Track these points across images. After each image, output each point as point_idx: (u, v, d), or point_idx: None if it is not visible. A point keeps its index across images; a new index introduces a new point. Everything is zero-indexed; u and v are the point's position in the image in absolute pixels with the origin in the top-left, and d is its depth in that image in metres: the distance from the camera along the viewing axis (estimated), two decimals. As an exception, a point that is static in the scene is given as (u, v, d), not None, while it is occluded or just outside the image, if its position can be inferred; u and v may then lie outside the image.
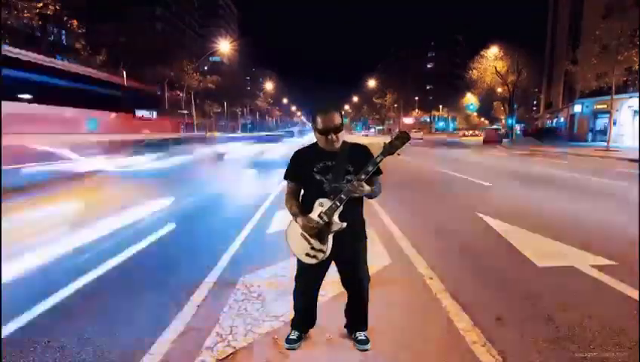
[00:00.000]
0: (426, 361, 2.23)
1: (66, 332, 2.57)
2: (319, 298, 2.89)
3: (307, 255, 2.11)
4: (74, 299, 3.09)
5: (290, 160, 2.23)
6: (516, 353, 2.25)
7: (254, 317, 2.71)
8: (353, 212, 2.13)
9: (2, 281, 3.08)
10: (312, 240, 2.08)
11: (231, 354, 2.28)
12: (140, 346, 2.36)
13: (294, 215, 2.13)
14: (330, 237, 2.06)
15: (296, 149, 2.26)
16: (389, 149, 1.94)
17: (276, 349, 2.33)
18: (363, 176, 1.95)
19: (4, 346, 2.41)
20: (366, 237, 2.30)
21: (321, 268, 2.23)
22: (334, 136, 2.04)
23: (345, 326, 2.45)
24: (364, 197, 2.13)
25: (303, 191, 2.21)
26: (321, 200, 2.07)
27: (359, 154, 2.12)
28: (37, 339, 2.48)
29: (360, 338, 2.33)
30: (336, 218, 2.04)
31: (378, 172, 2.09)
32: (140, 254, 4.18)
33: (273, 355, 2.28)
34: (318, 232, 2.05)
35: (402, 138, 1.94)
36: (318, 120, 2.04)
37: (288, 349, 2.32)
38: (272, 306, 2.84)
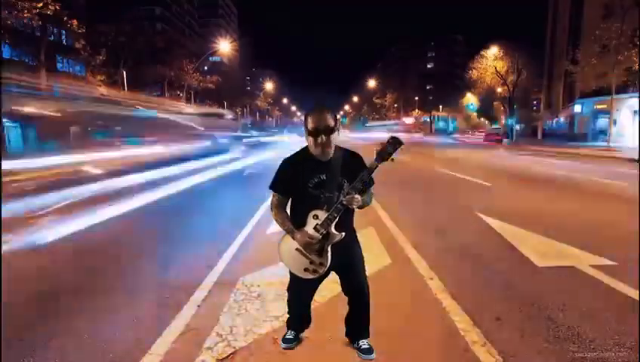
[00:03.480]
0: (426, 361, 2.23)
1: (66, 332, 2.57)
2: (320, 298, 2.90)
3: (306, 270, 2.02)
4: (74, 298, 3.10)
5: (280, 170, 2.06)
6: (516, 353, 2.25)
7: (254, 317, 2.71)
8: (346, 220, 2.04)
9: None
10: (311, 256, 1.99)
11: (231, 354, 2.28)
12: (140, 346, 2.36)
13: (290, 231, 2.01)
14: (329, 249, 1.98)
15: (285, 158, 2.08)
16: (383, 155, 1.85)
17: (276, 349, 2.33)
18: (359, 186, 1.86)
19: (4, 346, 2.41)
20: (359, 243, 2.23)
21: (316, 281, 2.15)
22: (324, 138, 1.90)
23: (346, 335, 2.36)
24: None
25: (291, 202, 2.09)
26: (314, 212, 1.95)
27: (353, 166, 1.99)
28: (37, 339, 2.48)
29: (364, 347, 2.24)
30: (333, 229, 1.95)
31: (371, 182, 2.01)
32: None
33: (273, 355, 2.28)
34: (316, 246, 1.96)
35: (394, 144, 1.85)
36: (309, 120, 1.93)
37: (285, 349, 2.32)
38: (272, 306, 2.84)
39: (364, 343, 2.26)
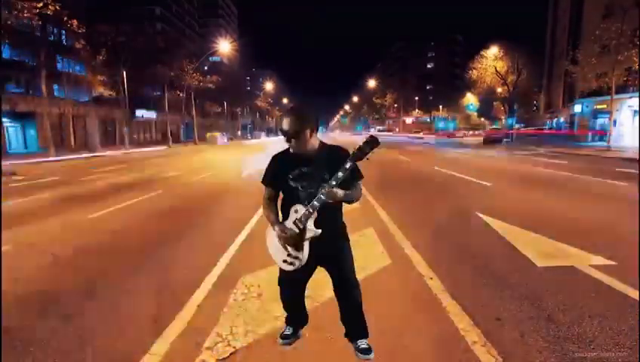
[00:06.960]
0: (426, 361, 2.23)
1: (66, 332, 2.57)
2: (319, 297, 2.90)
3: (284, 261, 2.09)
4: (74, 298, 3.10)
5: (268, 165, 2.16)
6: (516, 353, 2.25)
7: (254, 317, 2.71)
8: (332, 218, 2.08)
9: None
10: (289, 248, 2.05)
11: (231, 354, 2.28)
12: (140, 346, 2.36)
13: (271, 223, 2.10)
14: (306, 245, 2.01)
15: (274, 154, 2.17)
16: (359, 155, 1.85)
17: (276, 349, 2.33)
18: (334, 183, 1.88)
19: (4, 346, 2.41)
20: (348, 239, 2.23)
21: (303, 274, 2.19)
22: (293, 142, 1.95)
23: (345, 336, 2.35)
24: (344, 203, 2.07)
25: (282, 196, 2.15)
26: (295, 206, 2.01)
27: (337, 159, 1.94)
28: (37, 339, 2.48)
29: (362, 346, 2.23)
30: (310, 225, 1.97)
31: (357, 177, 2.03)
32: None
33: (273, 355, 2.28)
34: (293, 240, 2.02)
35: (371, 143, 1.84)
36: (282, 122, 1.96)
37: (282, 344, 2.33)
38: (272, 306, 2.84)
39: (362, 343, 2.25)
